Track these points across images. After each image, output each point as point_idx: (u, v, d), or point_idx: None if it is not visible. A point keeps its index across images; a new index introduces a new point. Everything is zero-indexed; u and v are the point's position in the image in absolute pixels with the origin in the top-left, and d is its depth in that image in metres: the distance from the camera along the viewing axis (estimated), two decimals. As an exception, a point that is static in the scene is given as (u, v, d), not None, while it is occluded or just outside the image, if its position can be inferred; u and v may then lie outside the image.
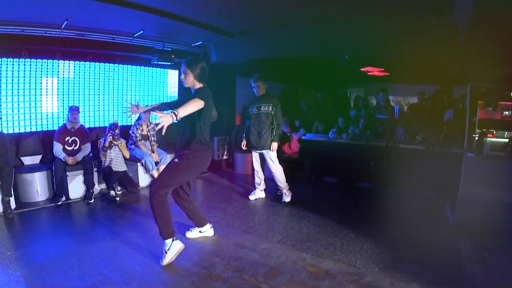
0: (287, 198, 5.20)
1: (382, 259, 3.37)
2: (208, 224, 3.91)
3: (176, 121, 2.79)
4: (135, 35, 5.67)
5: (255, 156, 5.31)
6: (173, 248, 3.23)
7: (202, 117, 3.23)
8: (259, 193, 5.45)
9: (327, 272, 3.11)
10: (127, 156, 5.60)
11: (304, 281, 2.96)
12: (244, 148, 5.40)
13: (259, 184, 5.41)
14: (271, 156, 5.17)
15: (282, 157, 6.60)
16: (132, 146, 5.95)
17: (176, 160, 3.32)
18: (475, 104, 4.09)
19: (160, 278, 2.99)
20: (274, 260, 3.34)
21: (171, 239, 3.24)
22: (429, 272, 3.12)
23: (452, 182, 4.41)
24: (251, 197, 5.40)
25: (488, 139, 4.14)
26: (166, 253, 3.22)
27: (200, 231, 3.89)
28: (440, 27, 4.24)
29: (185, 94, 7.60)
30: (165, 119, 2.66)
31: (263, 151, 5.16)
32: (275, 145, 5.13)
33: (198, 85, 3.31)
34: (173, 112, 2.73)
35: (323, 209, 4.92)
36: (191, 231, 3.92)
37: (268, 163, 5.22)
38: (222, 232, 4.05)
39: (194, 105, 2.98)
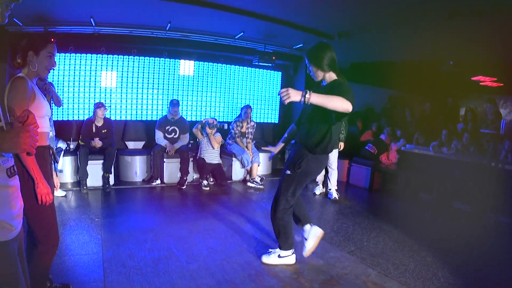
0: (333, 196, 5.37)
1: None
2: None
3: (303, 102, 2.31)
4: (236, 37, 5.91)
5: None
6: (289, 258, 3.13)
7: (338, 119, 2.64)
8: (320, 188, 5.69)
9: None
10: (215, 147, 5.80)
11: None
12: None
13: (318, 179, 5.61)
14: (334, 156, 5.33)
15: (378, 167, 6.30)
16: (230, 141, 6.20)
17: (289, 172, 2.94)
18: None
19: (220, 265, 3.00)
20: (338, 270, 3.08)
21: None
22: None
23: None
24: (316, 191, 5.64)
25: None
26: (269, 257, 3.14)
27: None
28: None
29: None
30: (294, 92, 2.29)
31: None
32: (341, 144, 5.31)
33: (330, 75, 2.78)
34: (307, 91, 2.30)
35: (408, 227, 4.36)
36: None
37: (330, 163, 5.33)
38: (296, 232, 3.90)
39: (338, 103, 2.34)
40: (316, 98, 2.28)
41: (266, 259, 3.12)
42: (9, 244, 1.13)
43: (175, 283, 2.63)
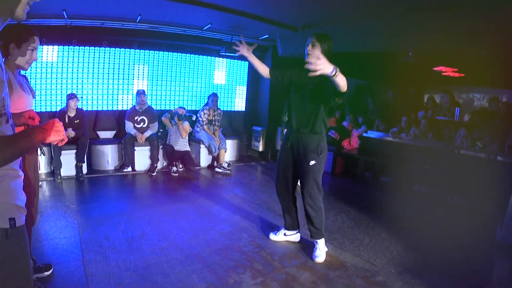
0: None
1: (403, 263, 3.17)
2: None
3: (331, 76, 2.39)
4: (204, 28, 6.07)
5: None
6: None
7: (330, 103, 2.97)
8: None
9: (341, 264, 3.07)
10: (184, 136, 6.08)
11: (315, 267, 3.00)
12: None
13: None
14: None
15: (340, 152, 6.63)
16: (198, 129, 6.47)
17: (314, 161, 3.06)
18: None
19: (189, 243, 3.31)
20: (296, 244, 3.43)
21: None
22: (448, 285, 2.87)
23: (508, 195, 3.87)
24: None
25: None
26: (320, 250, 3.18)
27: (285, 234, 3.51)
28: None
29: (254, 85, 8.01)
30: (326, 65, 2.34)
31: None
32: None
33: None
34: (336, 68, 2.40)
35: (366, 207, 4.74)
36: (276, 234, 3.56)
37: None
38: (261, 212, 4.26)
39: (345, 82, 2.55)
40: (340, 75, 2.44)
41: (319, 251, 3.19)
42: (24, 228, 1.29)
43: (147, 259, 2.94)
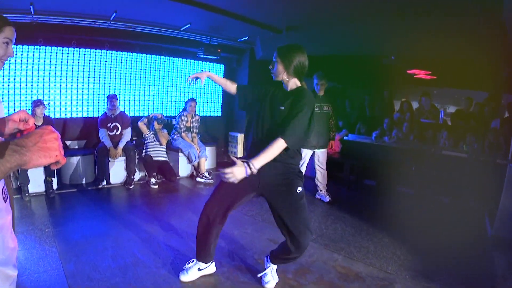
0: (327, 199, 5.05)
1: (414, 267, 3.19)
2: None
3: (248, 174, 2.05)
4: (182, 28, 5.70)
5: (308, 154, 5.08)
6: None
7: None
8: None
9: (357, 275, 2.99)
10: (163, 143, 5.64)
11: (333, 281, 2.87)
12: None
13: None
14: (323, 156, 5.09)
15: None
16: (175, 136, 6.03)
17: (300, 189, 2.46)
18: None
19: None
20: (306, 258, 3.20)
21: None
22: (461, 284, 2.95)
23: (493, 193, 4.20)
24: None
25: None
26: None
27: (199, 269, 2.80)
28: (488, 29, 3.97)
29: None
30: (238, 170, 2.01)
31: (321, 150, 5.04)
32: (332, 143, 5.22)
33: (295, 81, 2.41)
34: (248, 164, 2.04)
35: (360, 212, 4.72)
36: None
37: (316, 163, 5.10)
38: (257, 226, 3.96)
39: (276, 151, 2.14)
40: (258, 163, 2.07)
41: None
42: None
43: (151, 292, 2.53)
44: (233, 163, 2.03)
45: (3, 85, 4.84)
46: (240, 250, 3.33)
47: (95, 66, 5.67)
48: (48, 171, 4.62)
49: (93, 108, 5.77)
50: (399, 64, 6.23)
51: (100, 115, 5.51)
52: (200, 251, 2.73)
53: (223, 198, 2.53)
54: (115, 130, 5.42)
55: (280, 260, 2.68)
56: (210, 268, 2.84)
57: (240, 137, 7.44)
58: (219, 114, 7.84)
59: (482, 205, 4.84)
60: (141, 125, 5.52)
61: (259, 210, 4.47)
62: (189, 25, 5.49)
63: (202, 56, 6.31)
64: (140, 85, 6.31)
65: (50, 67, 5.21)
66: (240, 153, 7.45)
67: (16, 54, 4.84)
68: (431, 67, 6.91)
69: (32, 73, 5.07)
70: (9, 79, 4.88)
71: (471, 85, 7.00)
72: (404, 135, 6.27)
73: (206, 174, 5.90)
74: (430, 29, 4.48)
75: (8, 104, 4.91)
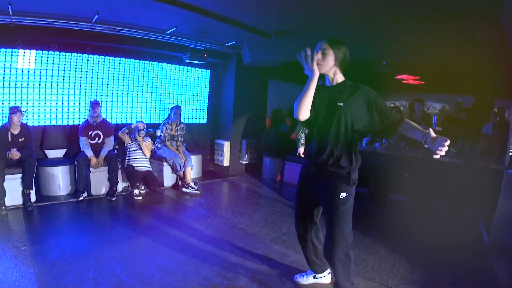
0: None
1: (415, 279, 3.10)
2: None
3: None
4: (167, 32, 5.50)
5: None
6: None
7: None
8: None
9: None
10: (147, 155, 5.42)
11: None
12: (302, 156, 5.33)
13: None
14: None
15: None
16: (159, 145, 5.80)
17: (345, 194, 2.56)
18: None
19: (180, 287, 2.75)
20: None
21: None
22: None
23: (488, 199, 4.17)
24: None
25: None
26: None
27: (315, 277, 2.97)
28: (485, 34, 3.92)
29: (216, 96, 7.49)
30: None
31: None
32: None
33: (339, 75, 2.42)
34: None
35: (356, 221, 4.54)
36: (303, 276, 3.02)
37: None
38: (249, 241, 3.79)
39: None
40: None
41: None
42: None
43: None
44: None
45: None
46: (233, 268, 3.15)
47: (76, 70, 5.39)
48: (25, 183, 4.34)
49: (74, 115, 5.48)
50: (388, 70, 6.18)
51: (81, 123, 5.25)
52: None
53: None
54: (96, 138, 5.17)
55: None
56: (325, 278, 2.94)
57: (227, 144, 7.26)
58: (205, 121, 7.63)
59: (476, 211, 4.80)
60: (122, 135, 5.30)
61: (249, 222, 4.34)
62: (175, 28, 5.30)
63: (188, 61, 6.11)
64: (123, 91, 6.06)
65: (28, 71, 4.92)
66: (226, 162, 7.27)
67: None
68: (419, 72, 6.89)
69: (10, 77, 4.78)
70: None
71: (460, 90, 7.03)
72: (395, 142, 6.21)
73: (192, 184, 5.67)
74: (421, 34, 4.47)
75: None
